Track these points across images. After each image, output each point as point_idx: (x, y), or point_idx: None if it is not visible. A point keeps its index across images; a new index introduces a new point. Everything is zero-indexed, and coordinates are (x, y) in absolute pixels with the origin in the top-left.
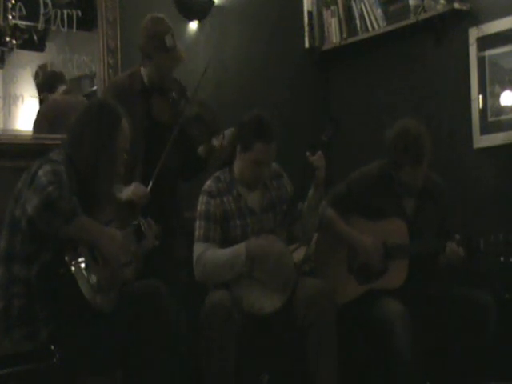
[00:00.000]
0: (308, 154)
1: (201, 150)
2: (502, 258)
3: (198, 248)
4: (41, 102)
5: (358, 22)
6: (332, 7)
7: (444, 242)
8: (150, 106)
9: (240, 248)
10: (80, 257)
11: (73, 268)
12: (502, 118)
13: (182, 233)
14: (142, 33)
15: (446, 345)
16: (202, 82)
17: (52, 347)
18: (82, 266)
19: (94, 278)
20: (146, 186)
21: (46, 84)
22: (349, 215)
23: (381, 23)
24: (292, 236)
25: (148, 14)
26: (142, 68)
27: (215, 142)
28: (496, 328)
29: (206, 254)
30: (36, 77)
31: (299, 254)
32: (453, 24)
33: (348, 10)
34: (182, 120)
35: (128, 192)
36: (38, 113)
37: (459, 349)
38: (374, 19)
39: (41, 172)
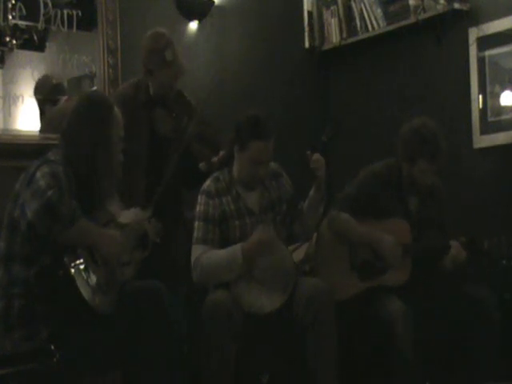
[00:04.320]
0: (308, 153)
1: (202, 166)
2: (504, 261)
3: (196, 250)
4: (41, 114)
5: (357, 22)
6: (332, 7)
7: (447, 242)
8: (153, 118)
9: (236, 250)
10: (79, 258)
11: (72, 270)
12: (502, 118)
13: (182, 233)
14: (143, 49)
15: (447, 344)
16: (207, 101)
17: (52, 347)
18: (81, 267)
19: (93, 280)
20: (148, 196)
21: (48, 98)
22: (356, 217)
23: (381, 23)
24: (292, 236)
25: (148, 31)
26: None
27: (215, 160)
28: (496, 327)
29: (203, 256)
30: (38, 89)
31: (299, 254)
32: (453, 24)
33: (348, 9)
34: (187, 139)
35: (127, 219)
36: (46, 119)
37: (460, 348)
38: (373, 19)
39: (39, 174)
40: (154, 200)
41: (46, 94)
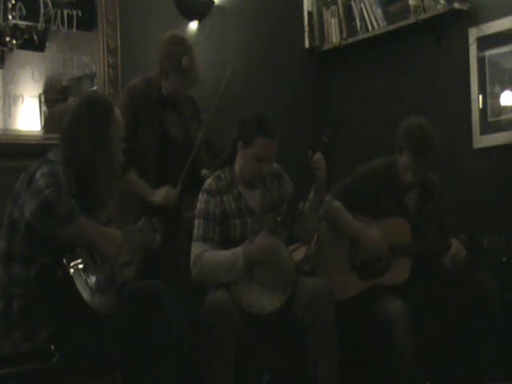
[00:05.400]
0: (309, 153)
1: (204, 173)
2: (504, 259)
3: (196, 248)
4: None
5: (357, 22)
6: (332, 7)
7: (447, 241)
8: (163, 118)
9: (238, 253)
10: (78, 258)
11: (71, 270)
12: (502, 117)
13: (182, 233)
14: (160, 49)
15: (447, 344)
16: (216, 108)
17: (52, 347)
18: (80, 267)
19: (92, 279)
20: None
21: (58, 99)
22: (352, 213)
23: (381, 23)
24: (292, 236)
25: (169, 32)
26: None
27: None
28: (497, 326)
29: (204, 255)
30: (48, 92)
31: (299, 254)
32: (453, 24)
33: (348, 9)
34: (196, 145)
35: (160, 196)
36: (48, 116)
37: (460, 348)
38: (373, 19)
39: (38, 174)
40: (181, 178)
41: (55, 95)
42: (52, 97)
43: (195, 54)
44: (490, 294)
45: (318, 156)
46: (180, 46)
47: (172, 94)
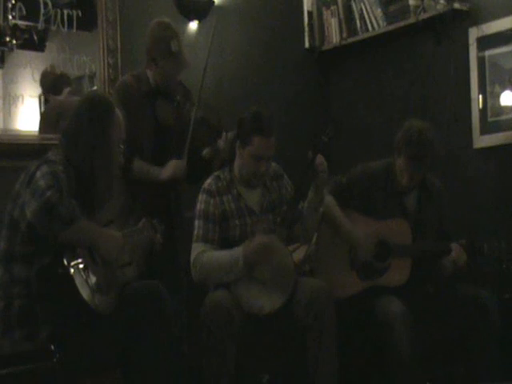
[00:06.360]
0: (310, 154)
1: (206, 152)
2: (504, 265)
3: (197, 248)
4: (46, 102)
5: (357, 22)
6: (332, 7)
7: (447, 243)
8: (155, 108)
9: (238, 253)
10: (79, 258)
11: (71, 269)
12: (502, 118)
13: (182, 232)
14: (148, 37)
15: (447, 345)
16: (203, 82)
17: (52, 347)
18: (81, 266)
19: (92, 279)
20: None
21: (52, 86)
22: (351, 212)
23: (381, 23)
24: (292, 236)
25: (154, 19)
26: (147, 70)
27: (220, 144)
28: (496, 326)
29: (204, 255)
30: (43, 78)
31: (299, 254)
32: (453, 24)
33: (348, 9)
34: (192, 124)
35: (168, 171)
36: (43, 114)
37: (460, 348)
38: (373, 19)
39: (39, 174)
40: (186, 149)
41: (49, 83)
42: (46, 84)
43: (180, 39)
44: (490, 294)
45: (321, 158)
46: (167, 30)
47: (161, 81)
